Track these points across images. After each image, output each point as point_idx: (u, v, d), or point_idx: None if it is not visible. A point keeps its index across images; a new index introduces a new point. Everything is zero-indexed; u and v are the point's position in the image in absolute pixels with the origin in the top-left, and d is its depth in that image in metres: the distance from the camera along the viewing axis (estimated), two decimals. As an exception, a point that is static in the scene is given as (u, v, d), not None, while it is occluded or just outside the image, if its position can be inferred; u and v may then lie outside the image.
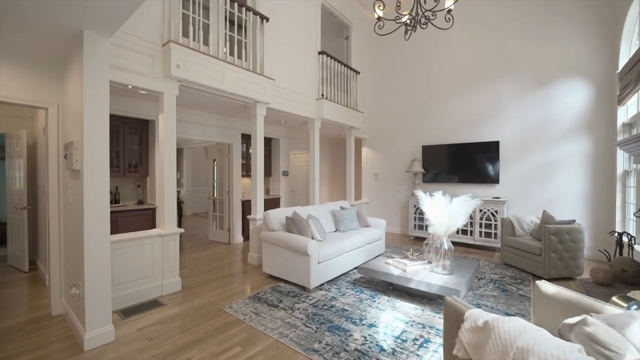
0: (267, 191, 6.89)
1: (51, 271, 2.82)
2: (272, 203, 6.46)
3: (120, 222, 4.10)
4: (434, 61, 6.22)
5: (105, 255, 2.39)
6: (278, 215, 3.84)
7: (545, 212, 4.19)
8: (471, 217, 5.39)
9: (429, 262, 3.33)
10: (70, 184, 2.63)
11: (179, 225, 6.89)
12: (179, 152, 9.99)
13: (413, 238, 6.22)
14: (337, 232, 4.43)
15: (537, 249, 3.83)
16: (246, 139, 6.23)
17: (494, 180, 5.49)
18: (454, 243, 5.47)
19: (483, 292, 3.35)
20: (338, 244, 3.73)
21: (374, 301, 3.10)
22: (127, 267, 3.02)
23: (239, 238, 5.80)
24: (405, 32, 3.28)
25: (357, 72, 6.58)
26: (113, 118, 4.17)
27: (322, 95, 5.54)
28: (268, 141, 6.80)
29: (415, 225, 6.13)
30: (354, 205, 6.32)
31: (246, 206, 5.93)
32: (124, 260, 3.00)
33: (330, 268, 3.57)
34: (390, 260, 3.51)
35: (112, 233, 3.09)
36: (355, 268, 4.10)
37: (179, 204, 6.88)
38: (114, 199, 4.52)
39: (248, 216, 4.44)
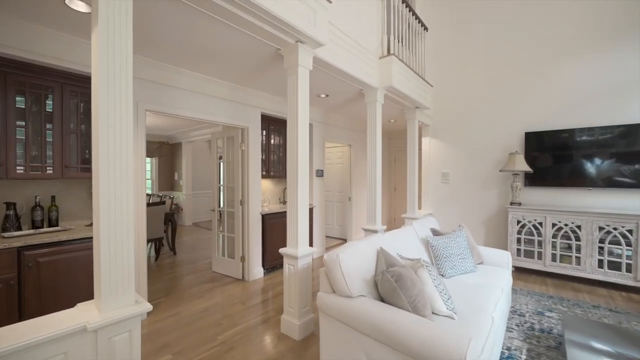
0: (293, 198, 4.93)
1: None
2: (302, 216, 4.49)
3: (45, 266, 2.15)
4: (537, 12, 4.20)
5: None
6: (358, 261, 1.83)
7: None
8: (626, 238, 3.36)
9: None
10: None
11: (171, 243, 4.95)
12: (176, 147, 8.10)
13: (514, 269, 4.20)
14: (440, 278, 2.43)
15: None
16: (268, 122, 4.27)
17: (667, 183, 3.46)
18: (595, 283, 3.46)
19: None
20: (484, 322, 1.73)
21: None
22: None
23: (257, 271, 3.84)
24: None
25: (426, 28, 4.59)
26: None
27: (389, 51, 3.56)
28: (296, 128, 4.83)
29: (519, 250, 4.10)
30: (419, 218, 4.38)
31: (269, 222, 3.97)
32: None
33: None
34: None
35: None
36: None
37: (170, 215, 4.96)
38: (47, 218, 2.58)
39: (282, 250, 2.48)
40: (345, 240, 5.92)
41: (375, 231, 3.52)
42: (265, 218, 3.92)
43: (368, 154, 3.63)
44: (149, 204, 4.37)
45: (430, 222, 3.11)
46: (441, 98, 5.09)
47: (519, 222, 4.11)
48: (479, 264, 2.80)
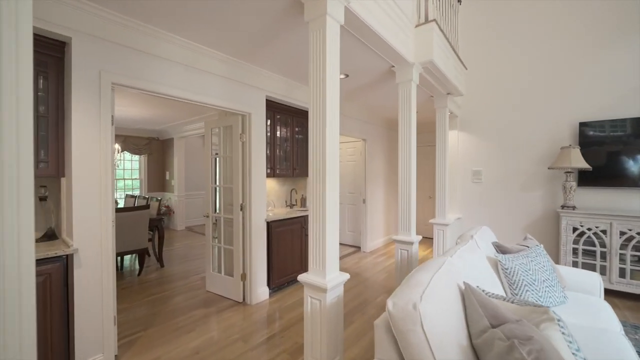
0: (301, 202, 4.20)
1: None
2: (313, 222, 3.78)
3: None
4: (602, -26, 3.52)
5: None
6: (444, 312, 1.08)
7: None
8: None
9: None
10: None
11: (158, 253, 4.19)
12: (167, 143, 7.33)
13: (569, 286, 3.50)
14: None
15: None
16: (274, 110, 3.56)
17: None
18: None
19: None
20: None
21: None
22: None
23: (261, 292, 3.12)
24: None
25: (459, 1, 3.90)
26: None
27: (427, 17, 2.86)
28: (301, 116, 4.12)
29: (575, 262, 3.42)
30: (449, 224, 3.70)
31: (275, 231, 3.25)
32: None
33: None
34: None
35: None
36: None
37: (156, 220, 4.20)
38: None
39: (303, 278, 1.75)
40: (359, 248, 5.21)
41: (411, 243, 2.82)
42: (271, 226, 3.19)
43: (400, 149, 2.92)
44: (128, 209, 3.62)
45: (487, 234, 2.41)
46: (473, 84, 4.40)
47: (575, 229, 3.43)
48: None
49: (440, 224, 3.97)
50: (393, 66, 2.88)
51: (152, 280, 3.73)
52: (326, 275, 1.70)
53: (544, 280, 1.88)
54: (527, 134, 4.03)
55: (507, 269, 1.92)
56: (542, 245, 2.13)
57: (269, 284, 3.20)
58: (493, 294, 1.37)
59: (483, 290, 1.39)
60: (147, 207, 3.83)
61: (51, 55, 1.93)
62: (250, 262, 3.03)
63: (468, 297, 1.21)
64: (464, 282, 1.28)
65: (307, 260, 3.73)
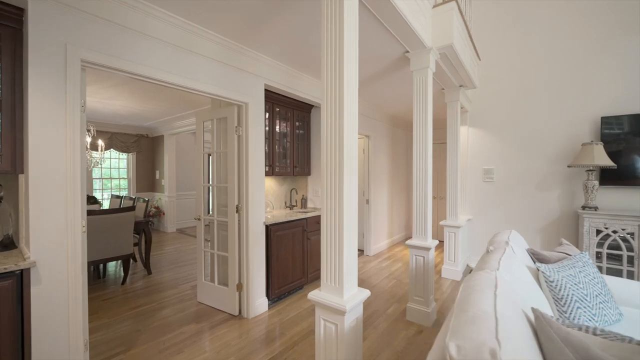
0: (301, 203, 3.88)
1: None
2: (319, 227, 3.46)
3: None
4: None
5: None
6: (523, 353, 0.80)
7: None
8: None
9: None
10: None
11: (145, 259, 3.81)
12: (158, 140, 6.94)
13: (591, 292, 3.26)
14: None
15: None
16: (272, 101, 3.24)
17: None
18: None
19: None
20: None
21: None
22: None
23: (260, 304, 2.79)
24: None
25: (472, -15, 3.63)
26: None
27: (445, -3, 2.57)
28: (302, 109, 3.81)
29: (599, 268, 3.18)
30: (462, 226, 3.47)
31: (275, 235, 2.93)
32: None
33: None
34: None
35: None
36: None
37: (143, 224, 3.84)
38: None
39: (314, 297, 1.44)
40: (362, 252, 4.91)
41: (428, 248, 2.53)
42: (270, 230, 2.87)
43: (415, 146, 2.63)
44: (110, 211, 3.26)
45: (518, 239, 2.13)
46: (484, 76, 4.14)
47: (599, 231, 3.18)
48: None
49: (452, 226, 3.70)
50: (407, 51, 2.58)
51: (138, 289, 3.38)
52: (344, 293, 1.39)
53: (596, 295, 1.60)
54: (543, 129, 3.78)
55: (552, 282, 1.63)
56: (587, 253, 1.85)
57: (268, 294, 2.87)
58: (564, 321, 1.07)
59: (543, 316, 1.10)
60: (132, 208, 3.47)
61: (5, 26, 1.58)
62: (247, 271, 2.70)
63: (544, 331, 0.92)
64: (532, 309, 0.99)
65: (310, 267, 3.43)
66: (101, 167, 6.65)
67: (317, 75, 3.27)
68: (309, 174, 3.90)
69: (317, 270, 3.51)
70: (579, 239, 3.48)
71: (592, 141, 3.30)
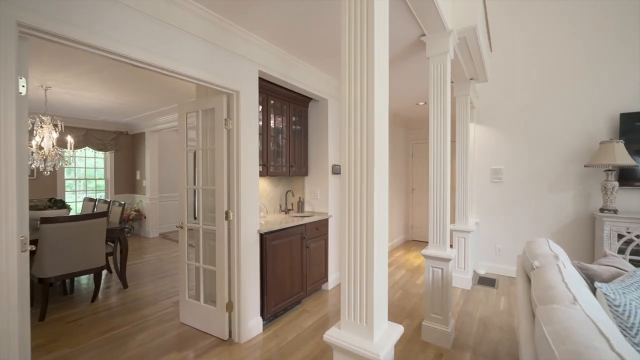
0: (298, 206, 3.52)
1: None
2: (319, 234, 3.11)
3: None
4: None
5: None
6: None
7: None
8: None
9: None
10: None
11: (120, 271, 3.33)
12: (138, 138, 6.41)
13: (612, 301, 3.04)
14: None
15: None
16: (267, 92, 2.86)
17: None
18: None
19: None
20: None
21: None
22: None
23: (253, 325, 2.41)
24: None
25: (483, -30, 3.35)
26: None
27: (466, -26, 2.27)
28: (300, 103, 3.45)
29: (621, 276, 2.95)
30: (471, 231, 3.20)
31: (270, 244, 2.56)
32: None
33: None
34: None
35: None
36: None
37: (118, 231, 3.38)
38: None
39: (332, 340, 1.08)
40: (361, 258, 4.57)
41: (448, 259, 2.22)
42: (265, 239, 2.49)
43: (432, 144, 2.31)
44: (76, 217, 2.81)
45: (559, 251, 1.83)
46: (494, 69, 3.88)
47: (620, 236, 2.96)
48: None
49: (462, 230, 3.42)
50: (423, 35, 2.26)
51: (111, 307, 2.93)
52: (374, 334, 1.04)
53: (673, 323, 1.31)
54: (556, 127, 3.55)
55: (617, 306, 1.34)
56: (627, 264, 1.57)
57: (262, 314, 2.50)
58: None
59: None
60: (104, 214, 3.02)
61: None
62: (238, 287, 2.32)
63: None
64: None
65: (309, 279, 3.07)
66: (74, 167, 6.07)
67: (317, 63, 2.91)
68: (306, 174, 3.54)
69: (317, 282, 3.15)
70: (595, 244, 3.26)
71: (611, 139, 3.08)
